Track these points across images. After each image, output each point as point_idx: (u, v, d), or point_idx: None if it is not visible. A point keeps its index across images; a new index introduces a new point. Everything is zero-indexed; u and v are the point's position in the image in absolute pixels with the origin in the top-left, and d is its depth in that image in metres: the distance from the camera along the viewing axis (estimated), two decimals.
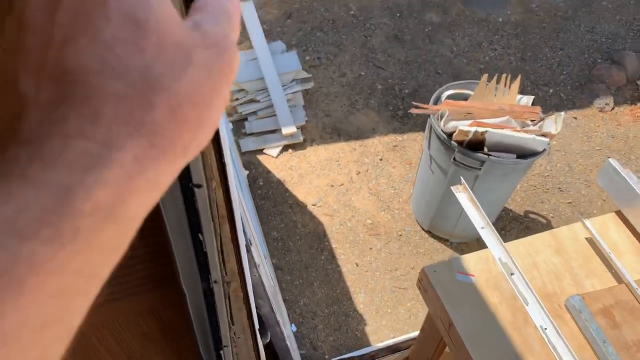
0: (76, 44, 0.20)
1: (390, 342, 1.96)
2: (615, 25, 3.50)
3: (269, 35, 3.29)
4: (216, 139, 0.42)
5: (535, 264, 1.14)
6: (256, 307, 1.02)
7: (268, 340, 1.15)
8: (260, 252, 1.14)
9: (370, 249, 2.33)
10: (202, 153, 0.41)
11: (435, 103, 2.08)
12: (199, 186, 0.42)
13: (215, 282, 0.52)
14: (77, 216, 0.18)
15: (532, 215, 2.45)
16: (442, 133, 1.93)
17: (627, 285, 1.09)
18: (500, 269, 1.03)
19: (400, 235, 2.38)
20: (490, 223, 1.09)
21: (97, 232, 0.19)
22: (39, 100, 0.20)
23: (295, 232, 2.35)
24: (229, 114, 2.76)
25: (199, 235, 0.46)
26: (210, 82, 0.23)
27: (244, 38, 3.22)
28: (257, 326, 0.62)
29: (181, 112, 0.21)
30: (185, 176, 0.42)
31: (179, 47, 0.22)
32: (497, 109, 1.95)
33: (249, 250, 0.87)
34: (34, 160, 0.18)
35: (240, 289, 0.53)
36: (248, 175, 2.51)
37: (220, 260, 0.49)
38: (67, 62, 0.20)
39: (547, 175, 2.62)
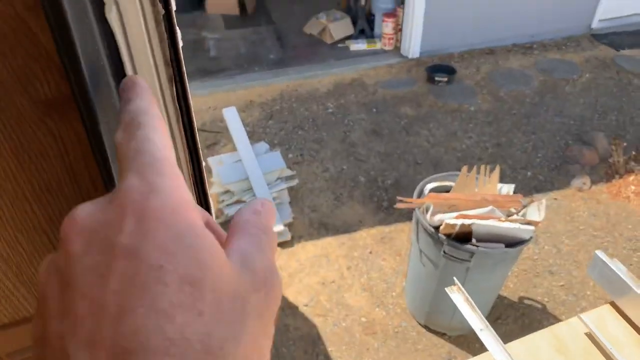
0: (134, 315, 0.18)
1: None
2: (580, 108, 3.69)
3: (253, 137, 3.38)
4: None
5: None
6: None
7: None
8: None
9: (368, 349, 2.25)
10: None
11: (419, 196, 2.12)
12: None
13: None
14: None
15: (526, 301, 2.42)
16: (429, 227, 1.94)
17: None
18: None
19: (397, 332, 2.32)
20: (489, 325, 1.07)
21: None
22: None
23: (287, 336, 2.27)
24: (216, 217, 2.76)
25: None
26: (262, 328, 0.21)
27: (228, 140, 3.31)
28: None
29: None
30: None
31: (235, 300, 0.21)
32: (480, 199, 1.99)
33: None
34: None
35: None
36: None
37: None
38: (125, 337, 0.18)
39: (536, 258, 2.62)
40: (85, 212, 0.21)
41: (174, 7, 0.25)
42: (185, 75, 0.28)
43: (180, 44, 0.27)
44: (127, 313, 0.18)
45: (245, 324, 0.20)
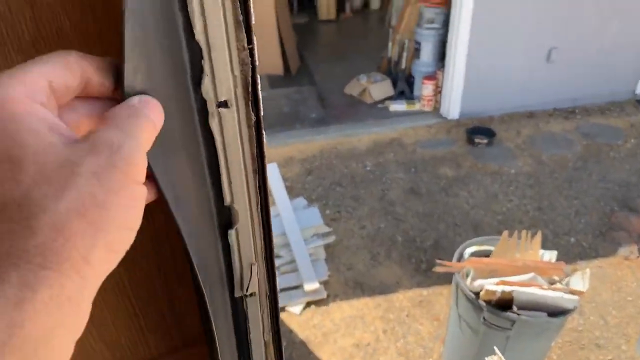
0: None
1: None
2: (625, 174, 3.61)
3: (292, 192, 3.45)
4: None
5: None
6: None
7: None
8: None
9: None
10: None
11: (459, 260, 2.09)
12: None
13: None
14: None
15: None
16: (469, 292, 1.91)
17: None
18: None
19: None
20: None
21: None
22: None
23: None
24: None
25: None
26: (101, 185, 0.24)
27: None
28: None
29: (68, 225, 0.23)
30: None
31: (62, 166, 0.23)
32: (521, 265, 1.95)
33: None
34: None
35: None
36: None
37: None
38: None
39: (582, 330, 2.51)
40: None
41: (262, 112, 0.30)
42: (266, 167, 0.33)
43: (265, 142, 0.31)
44: None
45: (73, 182, 0.23)
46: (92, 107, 0.28)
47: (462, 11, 3.88)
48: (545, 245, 2.72)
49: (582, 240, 3.05)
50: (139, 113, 0.26)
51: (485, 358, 1.20)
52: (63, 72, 0.26)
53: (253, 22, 0.27)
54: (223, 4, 0.26)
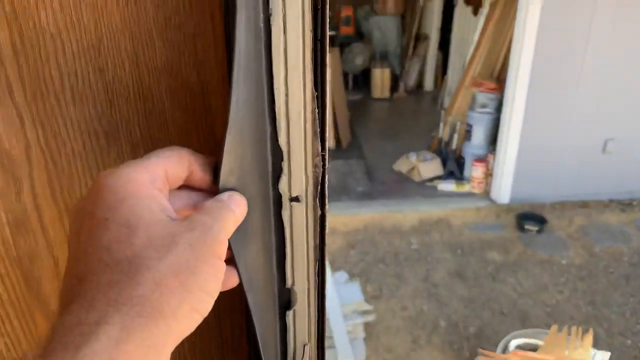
0: (85, 253, 0.28)
1: None
2: None
3: (333, 265, 3.44)
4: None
5: None
6: None
7: None
8: None
9: None
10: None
11: (503, 352, 2.01)
12: None
13: None
14: None
15: None
16: None
17: None
18: None
19: None
20: None
21: None
22: (62, 298, 0.28)
23: None
24: None
25: None
26: (193, 254, 0.29)
27: None
28: None
29: (165, 282, 0.27)
30: None
31: (166, 236, 0.29)
32: None
33: None
34: (50, 348, 0.25)
35: None
36: None
37: None
38: (79, 267, 0.28)
39: None
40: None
41: (327, 208, 0.34)
42: (326, 256, 0.36)
43: (326, 231, 0.35)
44: (82, 253, 0.29)
45: (173, 250, 0.28)
46: (194, 197, 0.35)
47: (515, 97, 3.93)
48: (597, 345, 2.56)
49: (638, 342, 2.86)
50: (227, 206, 0.32)
51: None
52: (177, 164, 0.33)
53: (327, 134, 0.32)
54: (304, 118, 0.31)
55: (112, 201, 0.29)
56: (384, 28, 7.44)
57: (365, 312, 2.95)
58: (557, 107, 4.01)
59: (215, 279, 0.30)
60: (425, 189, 4.56)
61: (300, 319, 0.36)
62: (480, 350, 2.03)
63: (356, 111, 6.52)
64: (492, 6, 4.50)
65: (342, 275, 3.28)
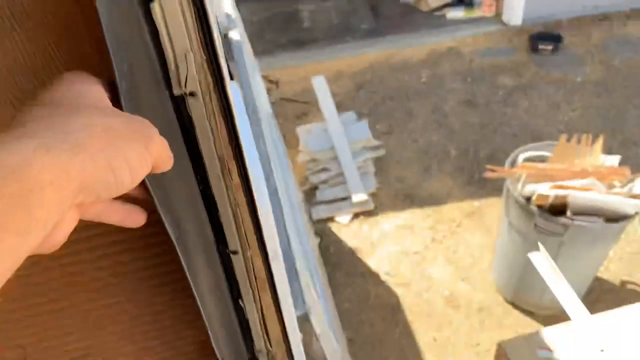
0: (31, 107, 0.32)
1: None
2: None
3: (341, 107, 3.37)
4: (252, 204, 0.41)
5: (628, 339, 1.01)
6: None
7: None
8: (323, 322, 1.10)
9: (450, 322, 2.19)
10: (236, 220, 0.41)
11: (512, 166, 2.00)
12: (235, 252, 0.41)
13: (259, 351, 0.50)
14: None
15: (630, 286, 2.21)
16: (520, 197, 1.83)
17: None
18: (588, 344, 0.92)
19: (481, 307, 2.23)
20: (573, 292, 0.99)
21: None
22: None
23: (367, 303, 2.27)
24: (301, 184, 2.81)
25: (240, 301, 0.45)
26: (127, 128, 0.32)
27: (318, 111, 3.33)
28: None
29: (94, 129, 0.30)
30: (222, 242, 0.42)
31: (109, 109, 0.33)
32: (579, 170, 1.83)
33: (307, 320, 0.84)
34: None
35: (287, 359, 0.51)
36: (320, 243, 2.50)
37: (263, 329, 0.47)
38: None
39: None
40: None
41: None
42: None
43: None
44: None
45: (110, 116, 0.32)
46: None
47: None
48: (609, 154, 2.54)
49: None
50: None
51: (528, 254, 1.15)
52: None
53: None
54: None
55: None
56: None
57: (374, 148, 2.96)
58: None
59: (140, 161, 0.31)
60: (433, 19, 4.28)
61: (172, 16, 0.32)
62: (488, 166, 2.02)
63: None
64: None
65: (351, 116, 3.23)
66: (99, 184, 0.29)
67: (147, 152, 0.32)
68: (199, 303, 0.42)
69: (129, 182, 0.31)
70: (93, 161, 0.28)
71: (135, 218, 0.36)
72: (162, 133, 0.33)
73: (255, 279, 0.43)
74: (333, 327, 1.47)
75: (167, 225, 0.39)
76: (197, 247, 0.41)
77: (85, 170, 0.28)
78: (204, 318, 0.44)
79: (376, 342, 2.13)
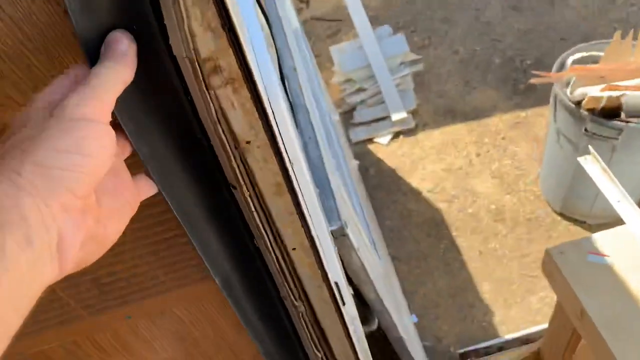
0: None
1: (520, 333, 1.80)
2: None
3: (376, 21, 3.21)
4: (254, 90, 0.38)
5: None
6: (360, 293, 0.98)
7: (375, 327, 1.10)
8: (363, 235, 1.10)
9: (496, 235, 2.16)
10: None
11: (559, 70, 1.87)
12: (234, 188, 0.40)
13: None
14: None
15: None
16: (569, 102, 1.72)
17: None
18: None
19: (529, 219, 2.18)
20: (627, 195, 0.93)
21: None
22: None
23: (410, 220, 2.26)
24: (338, 106, 2.75)
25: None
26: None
27: (350, 28, 3.19)
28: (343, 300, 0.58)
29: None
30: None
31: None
32: (635, 69, 1.69)
33: (344, 235, 0.83)
34: None
35: (316, 263, 0.50)
36: (359, 165, 2.48)
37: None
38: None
39: None
40: None
41: None
42: None
43: None
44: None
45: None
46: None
47: None
48: None
49: None
50: (106, 67, 0.34)
51: (578, 158, 1.09)
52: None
53: None
54: None
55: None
56: None
57: (412, 62, 2.83)
58: None
59: (97, 141, 0.31)
60: None
61: None
62: (534, 72, 1.90)
63: None
64: None
65: (386, 30, 3.08)
66: (67, 178, 0.30)
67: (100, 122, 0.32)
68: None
69: (96, 164, 0.31)
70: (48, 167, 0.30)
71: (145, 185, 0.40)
72: None
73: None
74: (375, 244, 1.47)
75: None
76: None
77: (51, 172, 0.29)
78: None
79: (421, 258, 2.14)
